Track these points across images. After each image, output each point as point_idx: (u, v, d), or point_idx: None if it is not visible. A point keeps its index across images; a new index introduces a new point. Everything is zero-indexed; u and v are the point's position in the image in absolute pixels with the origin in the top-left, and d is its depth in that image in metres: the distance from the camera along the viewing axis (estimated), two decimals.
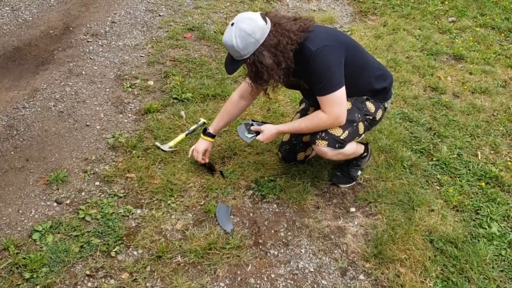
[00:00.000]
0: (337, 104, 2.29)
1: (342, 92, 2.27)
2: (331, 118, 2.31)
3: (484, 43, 4.50)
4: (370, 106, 2.53)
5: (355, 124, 2.45)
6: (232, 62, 2.24)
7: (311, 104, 2.71)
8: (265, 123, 2.52)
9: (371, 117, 2.54)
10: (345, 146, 2.45)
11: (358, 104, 2.48)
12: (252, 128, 2.49)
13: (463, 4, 5.31)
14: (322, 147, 2.41)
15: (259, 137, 2.45)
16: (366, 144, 2.82)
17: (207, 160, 2.72)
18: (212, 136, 2.69)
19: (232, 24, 2.14)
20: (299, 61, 2.26)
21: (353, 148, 2.57)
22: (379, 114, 2.58)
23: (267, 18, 2.20)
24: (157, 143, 2.91)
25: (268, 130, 2.44)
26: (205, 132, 2.69)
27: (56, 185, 2.61)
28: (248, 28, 2.11)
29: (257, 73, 2.23)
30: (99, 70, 3.65)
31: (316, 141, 2.42)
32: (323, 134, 2.40)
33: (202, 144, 2.69)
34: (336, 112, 2.30)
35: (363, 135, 2.58)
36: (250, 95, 2.60)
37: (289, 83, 2.50)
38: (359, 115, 2.47)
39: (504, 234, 2.50)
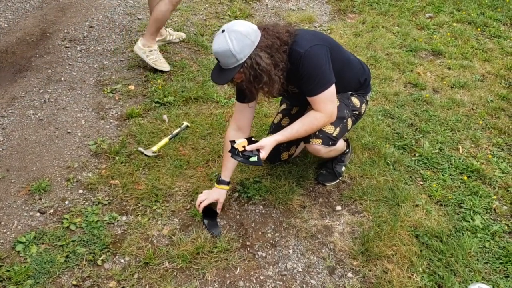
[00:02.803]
0: (330, 101, 2.32)
1: (332, 89, 2.29)
2: (327, 116, 2.33)
3: (461, 38, 4.57)
4: (356, 101, 2.58)
5: (345, 120, 2.50)
6: (224, 72, 2.15)
7: (294, 104, 2.72)
8: (250, 139, 2.34)
9: (357, 112, 2.59)
10: (337, 143, 2.49)
11: (345, 100, 2.53)
12: (248, 148, 2.24)
13: (440, 0, 5.39)
14: (316, 146, 2.43)
15: (262, 155, 2.24)
16: (347, 140, 2.86)
17: (219, 211, 2.51)
18: (227, 183, 2.49)
19: (223, 31, 2.08)
20: (290, 64, 2.26)
21: (342, 144, 2.62)
22: (363, 108, 2.64)
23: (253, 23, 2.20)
24: (140, 149, 2.88)
25: (269, 145, 2.28)
26: (218, 180, 2.49)
27: (39, 194, 2.57)
28: (243, 30, 2.08)
29: (256, 76, 2.14)
30: (78, 76, 3.60)
31: (311, 140, 2.43)
32: (317, 133, 2.42)
33: (214, 194, 2.47)
34: (330, 109, 2.33)
35: (349, 130, 2.64)
36: (246, 122, 2.49)
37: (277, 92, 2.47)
38: (347, 111, 2.52)
39: (487, 227, 2.54)
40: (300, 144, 2.83)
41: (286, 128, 2.37)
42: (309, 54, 2.22)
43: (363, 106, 2.64)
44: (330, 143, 2.44)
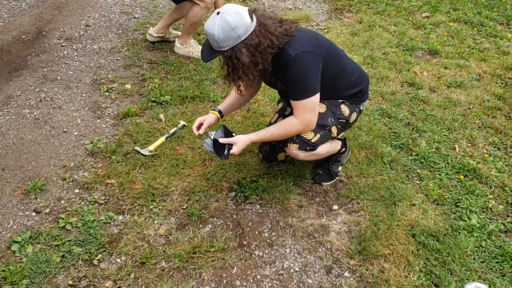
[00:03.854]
0: (309, 110, 2.30)
1: (316, 98, 2.27)
2: (303, 124, 2.32)
3: (458, 38, 4.58)
4: (345, 109, 2.54)
5: (327, 128, 2.48)
6: (210, 51, 2.20)
7: (288, 104, 2.72)
8: (226, 130, 2.43)
9: (344, 121, 2.55)
10: (316, 149, 2.47)
11: (332, 108, 2.50)
12: (221, 141, 2.34)
13: None
14: (293, 150, 2.44)
15: (233, 150, 2.35)
16: (343, 140, 2.84)
17: (201, 132, 2.50)
18: (219, 111, 2.58)
19: (218, 13, 2.10)
20: (278, 64, 2.25)
21: (326, 148, 2.59)
22: (353, 117, 2.59)
23: (254, 16, 2.17)
24: (137, 148, 2.87)
25: (241, 142, 2.37)
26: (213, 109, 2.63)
27: (34, 194, 2.56)
28: (233, 22, 2.07)
29: (233, 68, 2.19)
30: (74, 74, 3.58)
31: (288, 144, 2.45)
32: (295, 138, 2.42)
33: (207, 116, 2.56)
34: (308, 118, 2.31)
35: (338, 137, 2.63)
36: (255, 85, 2.58)
37: (267, 81, 2.51)
38: (332, 119, 2.49)
39: (483, 226, 2.55)
40: None
41: (263, 129, 2.42)
42: (298, 59, 2.20)
43: (354, 114, 2.59)
44: (307, 148, 2.43)
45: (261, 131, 2.41)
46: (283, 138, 2.42)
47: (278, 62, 2.25)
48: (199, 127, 2.51)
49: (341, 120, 2.53)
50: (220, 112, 2.58)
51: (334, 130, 2.52)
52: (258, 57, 2.17)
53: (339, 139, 2.77)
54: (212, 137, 2.37)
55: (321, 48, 2.31)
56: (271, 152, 2.77)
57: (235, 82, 2.32)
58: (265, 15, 2.24)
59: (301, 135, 2.41)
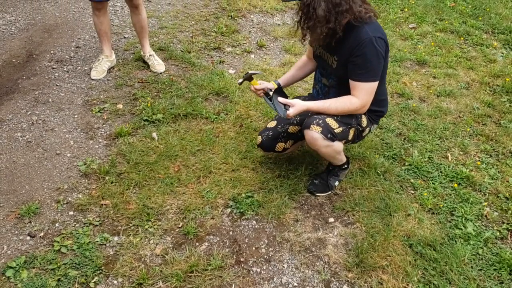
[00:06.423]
0: (369, 93, 2.38)
1: (376, 84, 2.38)
2: (361, 104, 2.39)
3: (445, 47, 4.64)
4: (364, 120, 2.60)
5: (349, 126, 2.52)
6: None
7: (318, 83, 2.71)
8: (283, 93, 2.63)
9: (360, 129, 2.60)
10: (334, 141, 2.48)
11: (357, 113, 2.55)
12: (280, 100, 2.46)
13: (422, 10, 5.48)
14: (315, 132, 2.42)
15: (290, 111, 2.41)
16: (347, 158, 2.85)
17: (258, 87, 2.63)
18: (278, 83, 2.71)
19: None
20: (350, 37, 2.31)
21: (341, 147, 2.59)
22: (366, 131, 2.67)
23: None
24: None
25: (299, 105, 2.42)
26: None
27: (28, 217, 2.54)
28: None
29: (306, 17, 2.24)
30: (66, 96, 3.58)
31: (311, 125, 2.43)
32: (320, 121, 2.42)
33: (267, 83, 2.68)
34: (366, 99, 2.39)
35: (349, 143, 2.67)
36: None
37: (322, 49, 2.54)
38: (354, 121, 2.54)
39: (479, 233, 2.56)
40: (297, 143, 2.83)
41: (320, 100, 2.45)
42: (375, 42, 2.27)
43: (367, 129, 2.67)
44: (328, 135, 2.43)
45: (319, 101, 2.44)
46: (338, 113, 2.44)
47: (348, 36, 2.31)
48: (249, 80, 2.65)
49: (359, 127, 2.58)
50: (279, 85, 2.70)
51: (352, 132, 2.55)
52: (333, 16, 2.21)
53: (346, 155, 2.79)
54: (271, 93, 2.48)
55: (388, 47, 2.41)
56: (273, 138, 2.73)
57: (303, 31, 2.34)
58: None
59: (327, 122, 2.42)
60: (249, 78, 2.64)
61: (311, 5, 2.19)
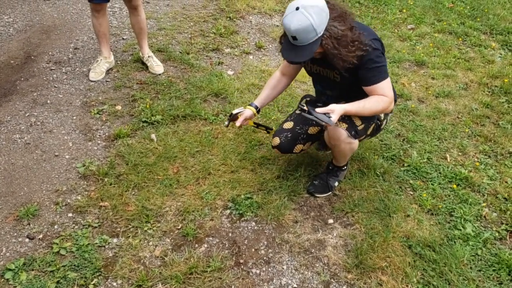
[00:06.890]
0: (390, 88, 2.40)
1: (389, 79, 2.42)
2: (390, 101, 2.40)
3: (444, 48, 4.65)
4: (381, 114, 2.63)
5: (371, 122, 2.56)
6: (301, 48, 2.21)
7: (323, 92, 2.70)
8: (311, 102, 2.64)
9: (379, 122, 2.64)
10: (356, 139, 2.51)
11: None
12: (318, 110, 2.30)
13: (420, 11, 5.49)
14: (340, 128, 2.44)
15: (333, 117, 2.28)
16: None
17: (237, 124, 2.61)
18: (255, 106, 2.68)
19: (297, 9, 2.13)
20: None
21: (357, 146, 2.61)
22: (383, 123, 2.70)
23: None
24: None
25: (339, 109, 2.31)
26: (250, 104, 2.72)
27: (27, 220, 2.53)
28: (319, 4, 2.15)
29: (340, 41, 2.21)
30: (64, 98, 3.58)
31: (338, 122, 2.43)
32: (346, 118, 2.45)
33: (244, 110, 2.68)
34: (391, 95, 2.40)
35: (368, 137, 2.72)
36: (291, 73, 2.71)
37: (318, 67, 2.55)
38: (375, 117, 2.58)
39: (478, 234, 2.56)
40: (313, 143, 2.86)
41: (355, 102, 2.39)
42: (374, 44, 2.31)
43: (384, 121, 2.70)
44: (352, 132, 2.46)
45: (354, 103, 2.38)
46: (372, 113, 2.44)
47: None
48: (234, 120, 2.67)
49: (378, 121, 2.62)
50: (256, 107, 2.69)
51: (371, 127, 2.59)
52: (348, 22, 2.24)
53: None
54: (306, 108, 2.35)
55: (383, 45, 2.46)
56: (291, 140, 2.68)
57: (345, 53, 2.25)
58: None
59: (352, 119, 2.46)
60: (234, 118, 2.67)
61: (332, 33, 2.19)
